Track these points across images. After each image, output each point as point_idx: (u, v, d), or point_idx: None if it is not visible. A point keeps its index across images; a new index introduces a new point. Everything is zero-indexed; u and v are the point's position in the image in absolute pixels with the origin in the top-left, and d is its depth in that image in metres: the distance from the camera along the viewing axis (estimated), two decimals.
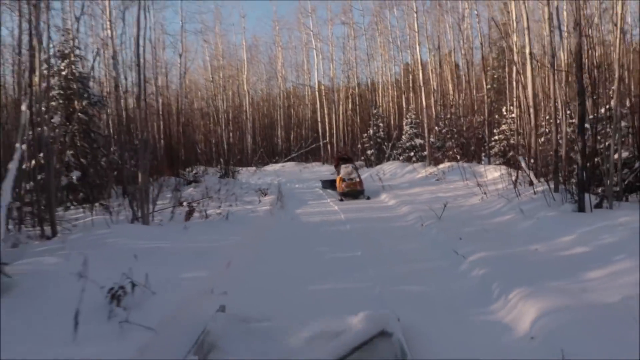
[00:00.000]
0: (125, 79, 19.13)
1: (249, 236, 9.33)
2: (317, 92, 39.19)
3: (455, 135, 23.48)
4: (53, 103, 14.44)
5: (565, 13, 13.92)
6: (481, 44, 26.15)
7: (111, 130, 18.89)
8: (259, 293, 5.88)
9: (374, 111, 32.10)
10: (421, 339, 4.27)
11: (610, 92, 11.45)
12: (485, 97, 23.95)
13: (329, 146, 36.51)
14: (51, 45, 13.28)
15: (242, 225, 10.11)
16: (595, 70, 11.40)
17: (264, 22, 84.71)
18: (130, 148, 16.65)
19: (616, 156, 10.12)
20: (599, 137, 10.55)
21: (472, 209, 11.16)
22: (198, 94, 42.13)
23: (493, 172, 15.57)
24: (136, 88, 10.64)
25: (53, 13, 15.86)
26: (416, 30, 26.42)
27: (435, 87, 28.19)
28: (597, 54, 12.61)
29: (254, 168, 30.49)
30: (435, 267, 6.89)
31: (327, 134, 37.04)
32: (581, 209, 8.77)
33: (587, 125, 10.63)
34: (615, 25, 10.09)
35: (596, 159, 10.51)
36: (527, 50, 13.46)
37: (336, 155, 21.19)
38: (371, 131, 30.86)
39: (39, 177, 9.74)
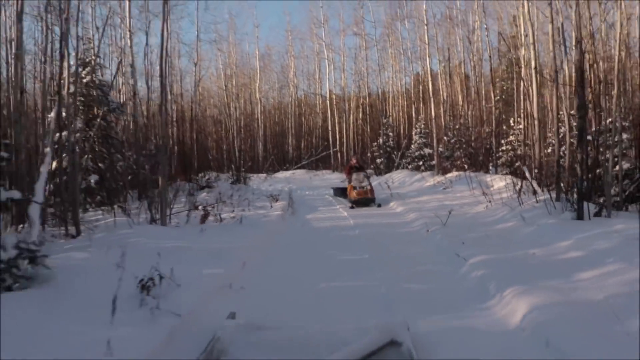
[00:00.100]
0: (147, 86, 19.67)
1: (262, 239, 9.80)
2: (328, 101, 39.71)
3: (464, 146, 23.89)
4: (71, 109, 15.00)
5: (571, 28, 14.33)
6: (490, 56, 26.58)
7: (128, 135, 19.39)
8: (273, 289, 6.35)
9: (384, 120, 32.58)
10: (421, 331, 4.71)
11: (613, 106, 11.87)
12: (494, 108, 24.33)
13: (339, 154, 36.97)
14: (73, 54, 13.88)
15: (255, 229, 10.56)
16: (598, 85, 11.83)
17: (277, 32, 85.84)
18: (146, 154, 17.23)
19: (618, 167, 10.54)
20: (601, 149, 10.93)
21: (476, 217, 11.57)
22: (210, 102, 42.74)
23: (499, 182, 15.92)
24: (159, 97, 11.14)
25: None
26: (427, 42, 26.91)
27: (444, 98, 28.65)
28: (602, 68, 13.05)
29: (264, 175, 30.93)
30: (438, 269, 7.33)
31: (338, 142, 37.51)
32: (580, 217, 9.16)
33: (589, 138, 11.06)
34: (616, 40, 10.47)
35: (598, 170, 10.92)
36: (533, 65, 13.90)
37: (348, 163, 21.40)
38: (381, 140, 31.33)
39: (59, 179, 10.24)
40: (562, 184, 11.17)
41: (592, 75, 12.02)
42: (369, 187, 16.09)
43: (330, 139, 38.38)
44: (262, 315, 5.27)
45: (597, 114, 11.72)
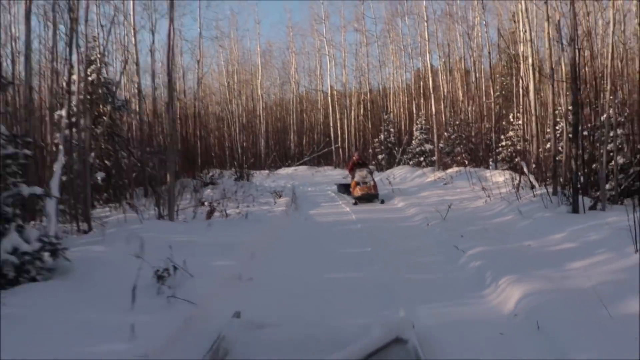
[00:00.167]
0: (153, 84, 19.94)
1: (267, 233, 10.12)
2: (329, 97, 40.00)
3: (464, 141, 24.17)
4: (80, 107, 15.31)
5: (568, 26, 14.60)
6: (489, 52, 26.86)
7: (133, 132, 19.69)
8: (280, 280, 6.67)
9: (385, 117, 32.87)
10: (421, 317, 5.03)
11: (606, 103, 12.17)
12: (493, 104, 24.60)
13: (340, 150, 37.26)
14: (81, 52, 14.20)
15: (260, 224, 10.87)
16: (594, 82, 12.11)
17: (278, 29, 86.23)
18: (151, 151, 17.54)
19: (614, 162, 10.83)
20: (597, 145, 11.22)
21: (475, 211, 11.87)
22: (212, 98, 42.99)
23: (498, 177, 16.20)
24: (163, 94, 11.42)
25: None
26: (427, 38, 27.17)
27: (445, 94, 28.93)
28: (599, 64, 13.31)
29: (267, 171, 31.20)
30: (437, 260, 7.66)
31: (339, 138, 37.80)
32: (575, 210, 9.47)
33: (585, 133, 11.35)
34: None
35: (594, 165, 11.22)
36: (530, 62, 14.19)
37: (350, 159, 21.38)
38: (382, 136, 31.64)
39: (69, 176, 10.54)
40: (560, 179, 11.46)
41: (586, 72, 12.31)
42: (372, 183, 16.06)
43: (332, 135, 38.67)
44: (271, 303, 5.61)
45: (592, 110, 12.00)
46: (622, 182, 11.10)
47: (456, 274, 6.77)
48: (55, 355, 3.68)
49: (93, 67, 16.36)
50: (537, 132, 13.80)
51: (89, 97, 16.00)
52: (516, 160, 18.87)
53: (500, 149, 21.71)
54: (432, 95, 26.15)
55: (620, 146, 11.57)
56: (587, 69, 12.41)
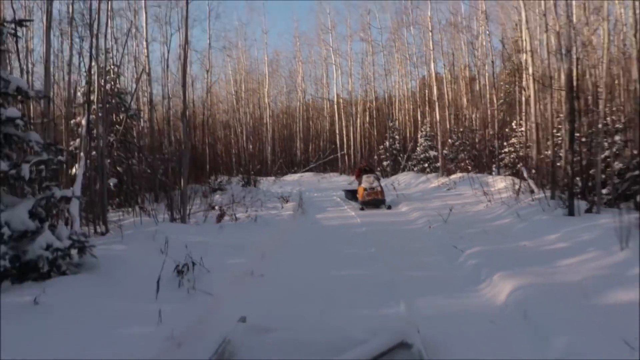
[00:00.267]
0: (168, 95, 20.43)
1: (276, 236, 10.58)
2: (335, 105, 40.54)
3: (468, 148, 24.61)
4: (92, 116, 15.86)
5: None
6: (492, 62, 27.29)
7: (144, 140, 20.21)
8: (289, 277, 7.13)
9: (390, 124, 33.38)
10: (420, 308, 5.48)
11: (601, 111, 12.59)
12: (496, 112, 25.04)
13: (346, 157, 37.76)
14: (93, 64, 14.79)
15: (269, 227, 11.33)
16: (595, 90, 12.55)
17: (285, 38, 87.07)
18: (162, 158, 18.05)
19: (611, 167, 11.24)
20: (595, 151, 11.63)
21: (476, 215, 12.30)
22: (220, 106, 43.58)
23: (500, 183, 16.60)
24: (171, 103, 11.93)
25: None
26: (431, 48, 27.66)
27: (449, 102, 29.38)
28: (597, 73, 13.74)
29: (273, 178, 31.69)
30: (437, 259, 8.11)
31: (345, 145, 38.31)
32: (571, 213, 9.89)
33: (584, 139, 11.78)
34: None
35: (591, 171, 11.63)
36: (531, 71, 14.65)
37: (357, 166, 21.43)
38: (387, 143, 32.15)
39: (87, 182, 11.04)
40: (558, 184, 11.86)
41: (586, 80, 12.76)
42: (379, 189, 16.15)
43: (338, 142, 39.19)
44: (281, 296, 6.08)
45: (590, 117, 12.42)
46: (619, 187, 11.51)
47: (454, 271, 7.22)
48: (95, 335, 4.16)
49: (107, 77, 16.96)
50: (537, 139, 14.23)
51: (102, 106, 16.73)
52: (518, 166, 19.29)
53: (503, 155, 22.11)
54: (437, 103, 26.62)
55: (618, 152, 11.98)
56: (587, 77, 12.88)
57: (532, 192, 13.08)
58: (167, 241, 5.76)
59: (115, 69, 17.36)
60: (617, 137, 12.21)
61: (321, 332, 4.46)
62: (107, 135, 15.33)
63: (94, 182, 10.84)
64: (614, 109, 13.46)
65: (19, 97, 5.92)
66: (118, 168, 16.81)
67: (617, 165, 11.68)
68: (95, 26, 10.33)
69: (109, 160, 16.18)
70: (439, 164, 25.03)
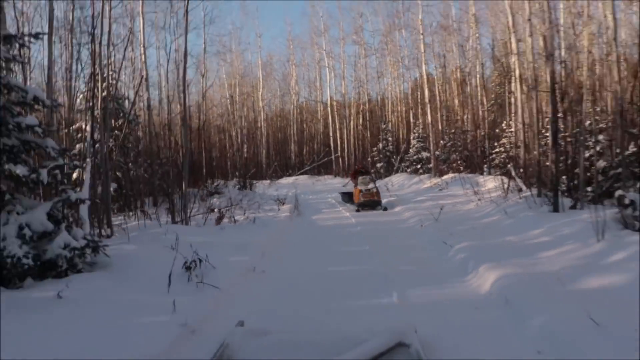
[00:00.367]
0: (168, 100, 20.80)
1: (274, 235, 11.04)
2: (329, 108, 41.00)
3: (460, 148, 25.12)
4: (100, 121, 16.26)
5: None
6: (482, 64, 27.82)
7: (142, 145, 20.58)
8: (288, 272, 7.61)
9: (383, 126, 33.90)
10: (410, 297, 5.95)
11: (590, 110, 13.10)
12: (486, 113, 25.56)
13: (340, 160, 38.21)
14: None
15: (267, 228, 11.78)
16: (578, 91, 13.02)
17: (278, 41, 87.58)
18: (159, 162, 18.44)
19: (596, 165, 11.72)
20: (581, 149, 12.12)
21: (466, 213, 12.80)
22: (214, 110, 43.95)
23: (491, 182, 17.09)
24: (170, 108, 12.38)
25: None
26: (423, 50, 28.13)
27: (441, 104, 29.88)
28: (579, 75, 14.23)
29: (268, 181, 32.10)
30: (428, 255, 8.58)
31: (339, 147, 38.78)
32: (556, 210, 10.40)
33: (569, 139, 12.27)
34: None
35: (576, 169, 12.12)
36: (517, 74, 15.16)
37: (353, 168, 21.49)
38: (381, 145, 32.67)
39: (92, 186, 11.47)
40: (544, 182, 12.35)
41: (573, 81, 13.23)
42: (375, 190, 16.25)
43: (332, 144, 39.64)
44: (282, 288, 6.55)
45: (574, 118, 12.91)
46: (603, 184, 12.00)
47: (443, 264, 7.70)
48: (117, 324, 4.61)
49: (105, 83, 17.35)
50: (524, 139, 14.73)
51: (104, 112, 17.13)
52: (508, 166, 19.79)
53: (494, 155, 22.59)
54: (429, 105, 27.10)
55: (601, 151, 12.48)
56: (574, 78, 13.34)
57: (520, 190, 13.57)
58: (178, 238, 6.19)
59: (115, 75, 17.77)
60: (600, 137, 12.67)
61: (319, 334, 4.55)
62: (108, 140, 15.78)
63: (97, 186, 11.28)
64: (598, 109, 13.96)
65: (35, 106, 6.35)
66: (117, 173, 17.19)
67: (601, 163, 12.18)
68: (98, 33, 10.73)
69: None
70: (431, 165, 25.50)
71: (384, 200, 16.76)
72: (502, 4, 16.76)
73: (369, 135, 37.98)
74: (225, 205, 15.37)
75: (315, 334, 4.59)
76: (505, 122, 22.82)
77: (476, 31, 27.54)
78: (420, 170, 27.00)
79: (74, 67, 14.69)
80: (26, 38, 6.40)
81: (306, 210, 17.08)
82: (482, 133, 25.75)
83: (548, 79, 14.75)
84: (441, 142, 26.46)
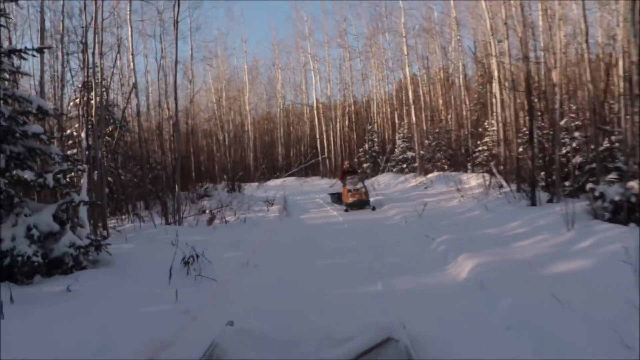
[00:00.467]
0: (160, 105, 21.13)
1: (265, 234, 11.48)
2: (315, 110, 41.44)
3: (444, 148, 25.68)
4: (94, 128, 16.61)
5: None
6: (464, 65, 28.40)
7: (132, 150, 20.91)
8: (280, 266, 8.07)
9: (369, 127, 34.45)
10: (394, 285, 6.42)
11: (565, 108, 13.67)
12: (469, 112, 26.14)
13: (327, 161, 38.67)
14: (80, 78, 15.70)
15: (257, 227, 12.21)
16: (552, 90, 13.56)
17: (263, 46, 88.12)
18: (149, 167, 18.80)
19: (572, 162, 12.26)
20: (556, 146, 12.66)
21: (449, 209, 13.32)
22: (201, 115, 44.25)
23: (474, 180, 17.66)
24: (174, 116, 12.80)
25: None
26: (406, 53, 28.68)
27: (425, 104, 30.46)
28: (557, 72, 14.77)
29: (256, 183, 32.47)
30: (412, 248, 9.05)
31: (326, 149, 39.22)
32: (533, 204, 10.92)
33: (547, 137, 12.80)
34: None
35: (554, 165, 12.66)
36: (496, 75, 15.73)
37: (341, 168, 21.46)
38: (367, 146, 33.20)
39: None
40: (523, 178, 12.89)
41: (543, 82, 13.76)
42: (363, 190, 16.33)
43: (319, 146, 40.07)
44: (275, 280, 7.00)
45: (551, 116, 13.46)
46: (580, 179, 12.55)
47: (426, 256, 8.18)
48: (124, 312, 5.04)
49: (98, 91, 17.69)
50: (504, 138, 15.27)
51: (91, 118, 17.47)
52: (490, 164, 20.33)
53: (477, 153, 23.13)
54: (413, 106, 27.65)
55: (577, 147, 13.02)
56: (550, 78, 13.86)
57: (501, 187, 14.10)
58: (178, 234, 6.62)
59: (106, 84, 18.12)
60: (576, 134, 13.21)
61: (309, 332, 4.55)
62: (102, 146, 16.13)
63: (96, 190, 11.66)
64: (574, 107, 14.52)
65: (39, 115, 6.76)
66: (109, 178, 17.52)
67: (577, 159, 12.72)
68: (89, 43, 11.12)
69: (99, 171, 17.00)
70: (416, 164, 26.01)
71: (371, 200, 16.95)
72: (482, 7, 17.23)
73: (355, 137, 38.47)
74: (215, 207, 15.78)
75: (305, 332, 4.64)
76: (487, 121, 23.37)
77: (458, 33, 28.13)
78: (406, 170, 27.50)
79: (64, 76, 15.12)
80: (29, 52, 6.77)
81: (294, 210, 17.50)
82: (466, 132, 26.30)
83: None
84: (426, 141, 27.00)
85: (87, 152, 11.39)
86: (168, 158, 23.74)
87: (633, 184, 8.36)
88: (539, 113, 13.81)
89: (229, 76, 43.52)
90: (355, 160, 33.77)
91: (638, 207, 8.01)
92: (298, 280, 7.01)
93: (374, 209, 15.93)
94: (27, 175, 6.30)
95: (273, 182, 35.86)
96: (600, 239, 6.65)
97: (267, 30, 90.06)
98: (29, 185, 6.40)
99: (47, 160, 7.18)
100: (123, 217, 14.39)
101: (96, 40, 10.85)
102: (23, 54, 6.83)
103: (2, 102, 6.45)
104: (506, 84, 14.76)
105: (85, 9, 11.40)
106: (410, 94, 28.01)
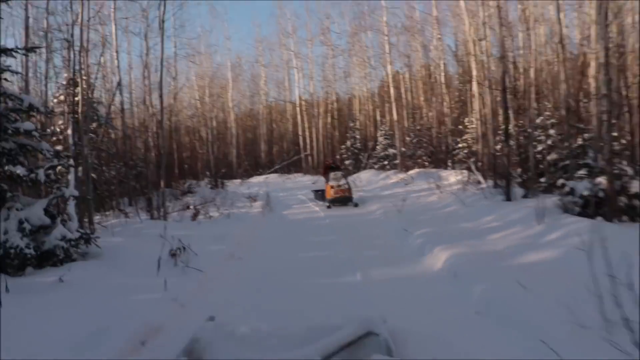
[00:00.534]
0: (145, 102, 21.15)
1: (249, 228, 11.78)
2: (297, 108, 41.65)
3: (425, 145, 26.06)
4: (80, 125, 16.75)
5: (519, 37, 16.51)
6: (445, 63, 28.80)
7: (116, 147, 21.05)
8: (263, 258, 8.37)
9: (351, 124, 34.76)
10: (372, 275, 6.75)
11: (541, 107, 14.11)
12: (450, 110, 26.57)
13: (310, 158, 38.90)
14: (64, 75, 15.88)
15: (241, 222, 12.49)
16: (528, 90, 14.00)
17: (247, 43, 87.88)
18: (133, 164, 18.97)
19: (547, 158, 12.68)
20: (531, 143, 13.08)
21: (428, 205, 13.68)
22: (184, 112, 44.25)
23: (453, 176, 18.05)
24: (159, 114, 13.04)
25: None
26: (388, 51, 29.03)
27: (406, 102, 30.84)
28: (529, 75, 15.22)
29: (239, 180, 32.59)
30: (390, 242, 9.41)
31: (308, 146, 39.44)
32: (508, 199, 11.32)
33: (524, 134, 13.18)
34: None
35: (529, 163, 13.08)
36: (474, 74, 16.14)
37: (324, 163, 21.21)
38: (349, 143, 33.50)
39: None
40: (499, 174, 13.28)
41: (519, 81, 14.21)
42: (346, 186, 16.25)
43: (301, 143, 40.26)
44: (258, 271, 7.30)
45: (526, 114, 13.88)
46: (554, 175, 12.97)
47: (404, 248, 8.54)
48: (116, 301, 5.30)
49: (78, 88, 17.82)
50: (482, 135, 15.69)
51: (76, 115, 17.60)
52: (469, 160, 20.75)
53: (457, 150, 23.52)
54: (395, 103, 28.01)
55: (553, 144, 13.45)
56: (526, 77, 14.28)
57: (478, 182, 14.51)
58: (166, 227, 6.89)
59: (92, 81, 18.25)
60: (552, 131, 13.63)
61: (290, 327, 4.45)
62: (87, 143, 16.29)
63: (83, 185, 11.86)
64: (550, 106, 14.95)
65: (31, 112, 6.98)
66: (93, 175, 17.65)
67: (552, 156, 13.14)
68: (74, 40, 11.30)
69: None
70: (397, 161, 26.35)
71: (354, 197, 16.94)
72: (462, 7, 17.64)
73: (337, 134, 38.75)
74: (199, 203, 16.00)
75: (286, 327, 4.52)
76: (467, 118, 23.76)
77: (439, 32, 28.51)
78: (387, 167, 27.80)
79: (47, 73, 15.26)
80: (19, 51, 6.98)
81: (277, 206, 17.75)
82: (446, 129, 26.68)
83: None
84: (407, 138, 27.37)
85: (73, 148, 11.62)
86: (152, 155, 23.96)
87: (601, 179, 8.81)
88: (516, 111, 14.24)
89: (212, 73, 43.50)
90: (337, 157, 34.06)
91: (605, 201, 8.46)
92: (281, 271, 7.32)
93: (356, 205, 15.89)
94: (20, 170, 6.53)
95: (256, 179, 36.00)
96: (567, 231, 7.03)
97: (251, 27, 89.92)
98: (21, 180, 6.62)
99: (37, 156, 7.37)
100: (107, 213, 14.57)
101: (82, 38, 11.02)
102: (14, 53, 7.04)
103: None
104: (486, 82, 15.15)
105: (71, 6, 11.62)
106: (392, 91, 28.36)
